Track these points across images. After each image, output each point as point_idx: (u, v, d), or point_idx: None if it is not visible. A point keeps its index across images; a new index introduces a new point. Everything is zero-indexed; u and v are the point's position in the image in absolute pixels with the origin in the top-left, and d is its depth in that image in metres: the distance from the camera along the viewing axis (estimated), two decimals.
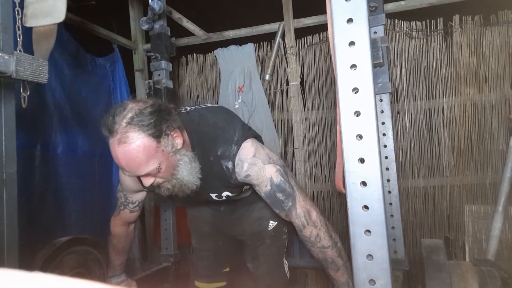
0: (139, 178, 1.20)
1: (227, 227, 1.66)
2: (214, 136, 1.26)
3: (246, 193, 1.49)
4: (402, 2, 2.44)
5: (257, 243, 1.60)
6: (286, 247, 1.63)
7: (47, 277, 0.28)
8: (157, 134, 1.10)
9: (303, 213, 1.23)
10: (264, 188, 1.24)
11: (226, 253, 1.72)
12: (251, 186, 1.39)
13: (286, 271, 1.63)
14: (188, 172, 1.19)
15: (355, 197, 0.77)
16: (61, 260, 1.60)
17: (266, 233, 1.58)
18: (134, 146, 1.07)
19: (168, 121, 1.14)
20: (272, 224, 1.57)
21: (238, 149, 1.23)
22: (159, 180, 1.17)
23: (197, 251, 1.74)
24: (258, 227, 1.58)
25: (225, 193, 1.36)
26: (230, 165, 1.23)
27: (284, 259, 1.63)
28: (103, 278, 1.77)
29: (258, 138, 1.36)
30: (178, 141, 1.18)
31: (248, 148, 1.25)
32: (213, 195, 1.37)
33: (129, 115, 1.09)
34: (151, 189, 1.27)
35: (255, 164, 1.23)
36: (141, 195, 1.48)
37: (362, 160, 0.77)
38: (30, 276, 0.27)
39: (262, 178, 1.23)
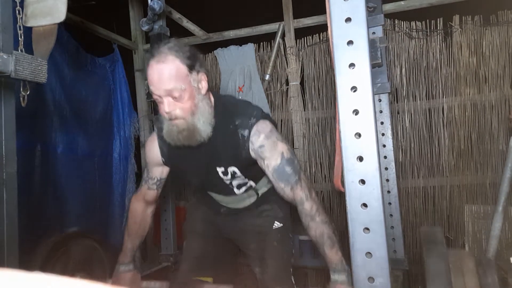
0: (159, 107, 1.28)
1: (226, 226, 1.64)
2: (236, 109, 1.38)
3: (250, 183, 1.50)
4: (402, 2, 2.45)
5: (263, 245, 1.55)
6: (292, 255, 1.60)
7: (47, 277, 0.28)
8: (190, 66, 1.25)
9: (307, 187, 1.32)
10: (274, 162, 1.31)
11: (211, 260, 1.65)
12: (253, 187, 1.48)
13: (293, 282, 1.57)
14: (204, 119, 1.29)
15: (354, 195, 0.77)
16: (66, 251, 1.64)
17: (271, 232, 1.55)
18: (169, 65, 1.22)
19: (201, 63, 1.30)
20: (277, 224, 1.55)
21: (256, 122, 1.33)
22: (178, 112, 1.24)
23: (185, 248, 1.71)
24: (263, 223, 1.56)
25: (231, 169, 1.40)
26: (246, 133, 1.32)
27: (291, 268, 1.58)
28: (104, 277, 1.77)
29: (274, 124, 1.43)
30: (204, 84, 1.30)
31: (266, 124, 1.35)
32: (220, 170, 1.41)
33: (171, 44, 1.26)
34: (166, 130, 1.31)
35: (270, 137, 1.33)
36: (160, 172, 1.54)
37: (360, 158, 0.77)
38: (30, 276, 0.27)
39: (275, 151, 1.32)
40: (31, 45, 1.21)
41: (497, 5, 2.46)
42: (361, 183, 0.76)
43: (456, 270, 0.90)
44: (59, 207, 2.25)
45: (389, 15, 2.52)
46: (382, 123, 1.79)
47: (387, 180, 1.79)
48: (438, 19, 2.55)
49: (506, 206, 1.97)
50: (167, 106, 1.23)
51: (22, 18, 1.20)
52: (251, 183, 1.51)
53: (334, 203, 2.78)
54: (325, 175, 2.80)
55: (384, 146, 1.80)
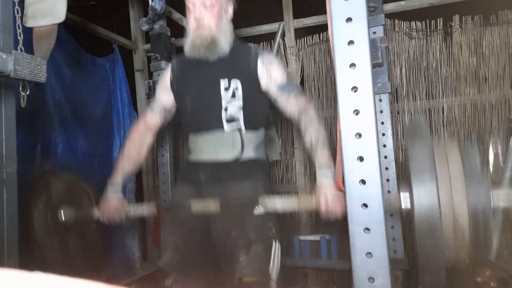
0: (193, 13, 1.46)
1: (207, 221, 1.47)
2: (248, 45, 1.59)
3: (240, 123, 1.49)
4: (402, 2, 2.45)
5: (241, 230, 1.40)
6: (278, 253, 1.42)
7: (47, 277, 0.28)
8: None
9: (308, 98, 1.52)
10: (279, 78, 1.47)
11: (190, 256, 1.52)
12: (241, 131, 1.49)
13: (270, 274, 1.39)
14: (225, 36, 1.47)
15: (354, 195, 0.77)
16: (47, 187, 1.66)
17: (252, 217, 1.41)
18: None
19: None
20: (258, 209, 1.42)
21: (268, 53, 1.55)
22: (206, 20, 1.43)
23: (165, 247, 1.58)
24: (243, 209, 1.42)
25: (234, 83, 1.48)
26: (260, 51, 1.51)
27: (274, 260, 1.41)
28: (91, 210, 1.71)
29: None
30: (230, 11, 1.53)
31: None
32: (223, 84, 1.48)
33: None
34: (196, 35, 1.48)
35: (277, 59, 1.55)
36: (167, 98, 1.63)
37: (361, 159, 0.77)
38: (30, 276, 0.27)
39: (280, 69, 1.49)
40: (30, 45, 1.21)
41: (497, 5, 2.45)
42: (361, 183, 0.76)
43: (440, 159, 0.91)
44: None
45: (389, 15, 2.52)
46: (382, 123, 1.79)
47: (388, 180, 1.79)
48: (438, 19, 2.55)
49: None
50: (197, 11, 1.42)
51: (21, 17, 1.19)
52: (241, 119, 1.48)
53: None
54: None
55: (385, 146, 1.80)
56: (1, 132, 1.13)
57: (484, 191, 0.88)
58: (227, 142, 1.48)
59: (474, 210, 0.87)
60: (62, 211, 1.65)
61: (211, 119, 1.50)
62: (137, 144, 1.62)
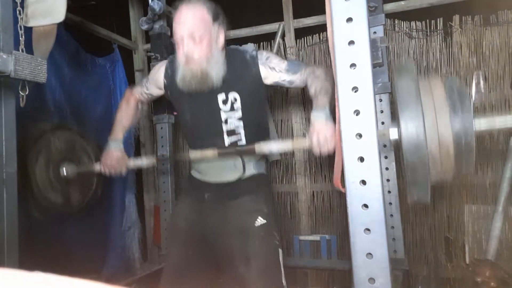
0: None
1: (209, 230, 1.55)
2: (238, 47, 1.58)
3: (240, 133, 1.51)
4: (402, 2, 2.45)
5: (245, 244, 1.46)
6: (281, 257, 1.49)
7: (47, 276, 0.28)
8: (214, 17, 1.41)
9: (315, 65, 1.51)
10: (283, 64, 1.49)
11: (195, 264, 1.56)
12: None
13: (283, 283, 1.46)
14: (217, 69, 1.42)
15: (355, 195, 0.77)
16: (49, 145, 1.74)
17: (254, 230, 1.47)
18: (197, 10, 1.39)
19: (223, 20, 1.47)
20: (260, 221, 1.47)
21: (260, 52, 1.53)
22: (195, 54, 1.37)
23: (167, 257, 1.69)
24: (245, 222, 1.48)
25: (232, 95, 1.48)
26: (254, 53, 1.50)
27: (281, 268, 1.48)
28: (91, 165, 1.83)
29: None
30: (221, 39, 1.45)
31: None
32: (221, 98, 1.48)
33: None
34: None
35: (271, 53, 1.57)
36: (157, 92, 1.69)
37: (361, 159, 0.77)
38: (30, 276, 0.27)
39: (279, 59, 1.51)
40: (30, 45, 1.21)
41: (497, 5, 2.45)
42: (362, 184, 0.76)
43: (425, 91, 0.95)
44: None
45: (389, 15, 2.52)
46: (383, 123, 1.79)
47: (388, 180, 1.79)
48: (438, 19, 2.55)
49: (506, 206, 1.97)
50: (186, 46, 1.37)
51: (22, 18, 1.19)
52: (242, 131, 1.51)
53: (334, 203, 2.77)
54: (325, 175, 2.79)
55: (385, 146, 1.80)
56: (1, 132, 1.13)
57: (467, 118, 0.93)
58: (229, 164, 1.54)
59: (457, 134, 0.92)
60: (64, 168, 1.78)
61: (212, 133, 1.53)
62: (130, 105, 1.76)
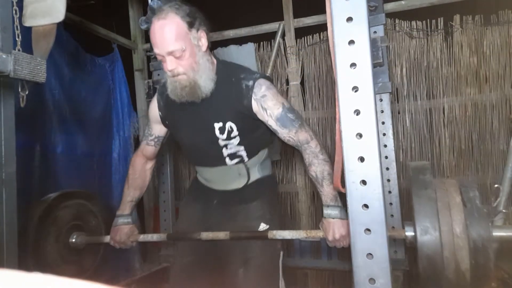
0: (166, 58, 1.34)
1: (215, 227, 1.58)
2: (239, 68, 1.49)
3: (242, 154, 1.50)
4: (403, 2, 2.44)
5: (246, 247, 1.52)
6: (281, 261, 1.53)
7: (46, 277, 0.27)
8: (190, 23, 1.33)
9: (311, 130, 1.44)
10: (276, 111, 1.39)
11: (206, 266, 1.61)
12: (244, 162, 1.50)
13: (281, 284, 1.51)
14: (205, 76, 1.37)
15: (355, 196, 0.77)
16: (55, 217, 1.67)
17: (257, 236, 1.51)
18: (169, 23, 1.30)
19: (201, 21, 1.38)
20: (263, 226, 1.52)
21: (260, 77, 1.43)
22: (180, 69, 1.33)
23: (177, 258, 1.70)
24: (248, 228, 1.52)
25: (229, 125, 1.43)
26: (250, 83, 1.40)
27: (280, 273, 1.52)
28: (98, 228, 1.81)
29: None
30: (204, 42, 1.38)
31: (268, 79, 1.47)
32: (217, 126, 1.44)
33: (172, 3, 1.34)
34: (170, 86, 1.39)
35: (271, 89, 1.42)
36: (159, 130, 1.63)
37: (362, 159, 0.77)
38: (29, 276, 0.27)
39: (276, 101, 1.40)
40: (29, 45, 1.20)
41: (498, 5, 2.45)
42: (362, 184, 0.76)
43: (443, 205, 0.95)
44: None
45: (389, 15, 2.51)
46: (383, 123, 1.79)
47: (388, 180, 1.78)
48: (439, 19, 2.54)
49: (507, 207, 1.97)
50: (169, 65, 1.32)
51: (19, 17, 1.19)
52: (243, 153, 1.50)
53: None
54: None
55: (385, 146, 1.80)
56: (0, 132, 1.13)
57: (483, 226, 0.93)
58: (233, 174, 1.55)
59: (474, 242, 0.92)
60: (73, 239, 1.73)
61: (212, 157, 1.54)
62: (139, 173, 1.67)
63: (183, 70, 1.33)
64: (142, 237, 1.67)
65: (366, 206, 0.76)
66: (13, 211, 1.16)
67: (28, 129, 2.04)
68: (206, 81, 1.37)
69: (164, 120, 1.57)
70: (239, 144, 1.48)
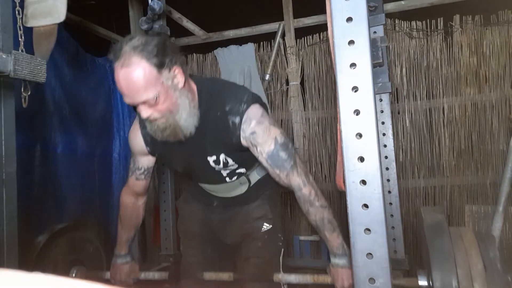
0: (136, 109, 1.22)
1: (217, 229, 1.60)
2: (223, 94, 1.30)
3: (241, 170, 1.46)
4: (403, 2, 2.44)
5: (249, 245, 1.52)
6: (281, 255, 1.54)
7: (46, 277, 0.27)
8: (159, 65, 1.14)
9: (303, 172, 1.29)
10: (267, 148, 1.26)
11: (214, 262, 1.64)
12: (245, 173, 1.46)
13: (282, 285, 1.50)
14: (186, 115, 1.22)
15: (355, 195, 0.77)
16: (49, 260, 1.60)
17: (258, 234, 1.51)
18: (135, 70, 1.12)
19: (172, 56, 1.18)
20: (266, 226, 1.51)
21: (247, 107, 1.26)
22: (156, 114, 1.19)
23: (185, 256, 1.69)
24: (252, 228, 1.52)
25: (223, 157, 1.35)
26: (237, 120, 1.25)
27: (279, 266, 1.51)
28: (97, 253, 1.78)
29: (264, 107, 1.37)
30: (179, 79, 1.20)
31: (257, 108, 1.28)
32: (211, 160, 1.36)
33: (135, 43, 1.15)
34: (150, 129, 1.27)
35: (262, 123, 1.26)
36: (147, 161, 1.48)
37: (361, 159, 0.77)
38: (29, 276, 0.27)
39: (267, 137, 1.26)
40: (30, 45, 1.21)
41: (498, 5, 2.45)
42: (362, 184, 0.76)
43: (459, 249, 0.93)
44: (58, 207, 2.24)
45: (389, 15, 2.52)
46: (383, 123, 1.79)
47: (388, 180, 1.78)
48: (439, 19, 2.55)
49: (507, 206, 1.97)
50: (143, 113, 1.18)
51: (22, 18, 1.19)
52: (242, 169, 1.46)
53: (335, 204, 2.77)
54: (325, 175, 2.79)
55: (385, 146, 1.80)
56: (1, 132, 1.13)
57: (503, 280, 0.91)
58: (235, 185, 1.51)
59: None
60: (73, 273, 1.66)
61: (211, 178, 1.48)
62: (131, 212, 1.56)
63: (160, 115, 1.19)
64: (143, 275, 1.65)
65: (366, 206, 0.76)
66: (13, 211, 1.16)
67: (28, 129, 2.04)
68: (187, 120, 1.23)
69: (153, 153, 1.44)
70: (238, 167, 1.43)
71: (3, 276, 0.26)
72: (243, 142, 1.28)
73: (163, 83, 1.15)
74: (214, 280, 1.57)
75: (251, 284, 1.49)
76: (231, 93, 1.30)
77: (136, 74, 1.12)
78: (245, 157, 1.38)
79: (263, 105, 1.35)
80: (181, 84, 1.21)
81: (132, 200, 1.54)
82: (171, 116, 1.20)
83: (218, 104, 1.28)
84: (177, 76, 1.19)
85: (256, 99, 1.32)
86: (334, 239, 1.29)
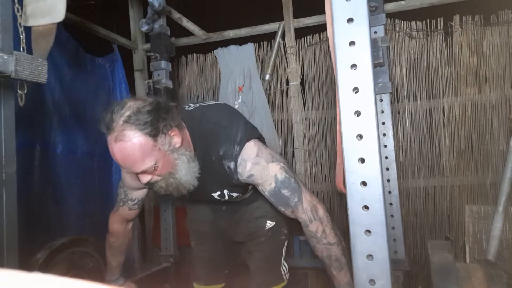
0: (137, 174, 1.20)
1: (226, 228, 1.63)
2: (216, 136, 1.25)
3: (250, 192, 1.48)
4: (403, 2, 2.44)
5: (252, 242, 1.56)
6: (285, 248, 1.58)
7: (46, 277, 0.27)
8: (154, 133, 1.10)
9: (310, 207, 1.22)
10: (268, 187, 1.22)
11: (225, 255, 1.69)
12: (254, 186, 1.41)
13: (284, 273, 1.55)
14: (185, 171, 1.19)
15: (355, 197, 0.77)
16: (58, 263, 1.58)
17: (262, 231, 1.54)
18: (130, 144, 1.08)
19: (166, 120, 1.13)
20: (269, 224, 1.54)
21: (240, 149, 1.22)
22: (156, 178, 1.17)
23: (196, 251, 1.71)
24: (255, 227, 1.55)
25: (227, 192, 1.35)
26: (232, 165, 1.22)
27: (282, 259, 1.56)
28: (97, 266, 1.77)
29: (260, 138, 1.34)
30: (176, 140, 1.17)
31: (250, 148, 1.23)
32: (216, 195, 1.36)
33: (127, 113, 1.09)
34: (150, 186, 1.26)
35: (258, 163, 1.21)
36: (141, 193, 1.48)
37: (362, 160, 0.76)
38: (29, 276, 0.27)
39: (266, 176, 1.21)
40: (29, 45, 1.20)
41: (498, 5, 2.45)
42: (362, 185, 0.76)
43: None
44: (58, 207, 2.25)
45: (389, 15, 2.51)
46: (383, 123, 1.78)
47: (388, 181, 1.78)
48: (439, 19, 2.55)
49: (507, 206, 1.97)
50: (144, 179, 1.16)
51: (21, 17, 1.19)
52: (249, 193, 1.50)
53: (335, 204, 2.77)
54: (325, 175, 2.79)
55: (386, 146, 1.79)
56: (1, 132, 1.13)
57: None
58: (238, 197, 1.50)
59: None
60: None
61: (215, 203, 1.51)
62: (123, 238, 1.57)
63: (160, 178, 1.17)
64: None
65: (366, 207, 0.76)
66: (13, 211, 1.16)
67: (28, 129, 2.04)
68: (188, 176, 1.19)
69: (152, 187, 1.35)
70: (243, 194, 1.46)
71: (3, 276, 0.26)
72: (243, 182, 1.27)
73: (160, 149, 1.12)
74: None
75: (255, 273, 1.53)
76: (224, 132, 1.25)
77: (132, 148, 1.09)
78: (249, 186, 1.39)
79: (258, 138, 1.31)
80: (178, 144, 1.17)
81: (123, 227, 1.54)
82: (171, 177, 1.18)
83: (212, 147, 1.24)
84: (174, 138, 1.16)
85: (249, 135, 1.26)
86: (341, 277, 1.22)
